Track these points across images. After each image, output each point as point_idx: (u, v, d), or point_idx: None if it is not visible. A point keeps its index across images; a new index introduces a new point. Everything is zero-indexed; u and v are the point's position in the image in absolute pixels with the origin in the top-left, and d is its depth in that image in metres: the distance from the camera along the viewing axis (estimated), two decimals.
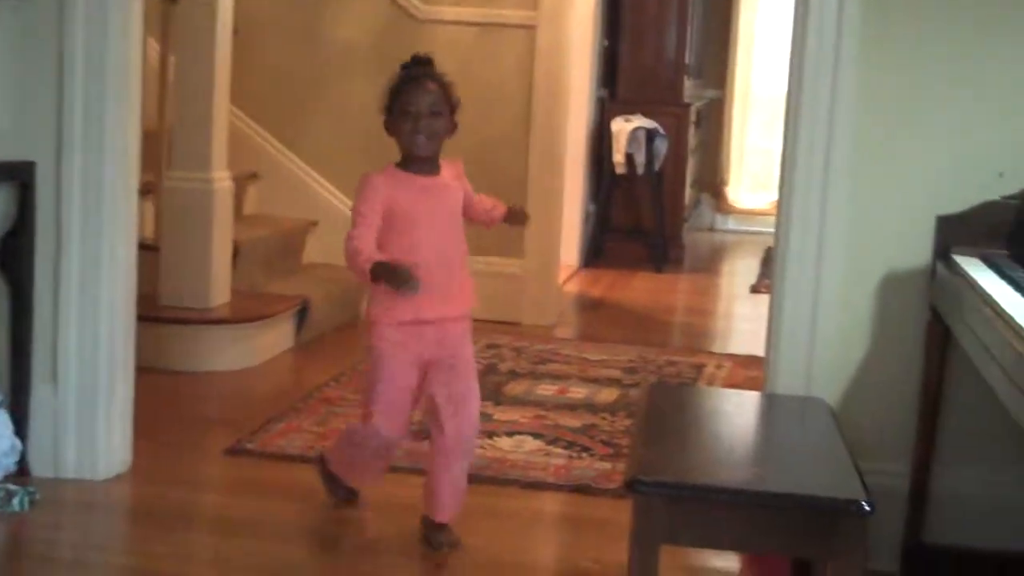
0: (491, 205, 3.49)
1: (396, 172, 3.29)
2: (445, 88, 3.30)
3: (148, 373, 4.43)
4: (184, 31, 5.13)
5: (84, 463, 3.75)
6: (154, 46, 5.39)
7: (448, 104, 3.29)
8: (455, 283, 3.31)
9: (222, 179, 5.24)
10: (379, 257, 3.15)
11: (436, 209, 3.27)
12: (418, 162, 3.28)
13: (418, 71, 3.32)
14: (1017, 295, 2.58)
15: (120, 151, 3.68)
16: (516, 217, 3.55)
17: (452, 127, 3.31)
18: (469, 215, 3.43)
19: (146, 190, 4.88)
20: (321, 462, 3.61)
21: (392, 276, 3.10)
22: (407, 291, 3.09)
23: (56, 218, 3.68)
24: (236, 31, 5.30)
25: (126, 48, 3.67)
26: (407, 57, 6.43)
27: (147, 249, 4.88)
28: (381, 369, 3.28)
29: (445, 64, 6.10)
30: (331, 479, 3.58)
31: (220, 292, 5.26)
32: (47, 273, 3.70)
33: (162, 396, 4.58)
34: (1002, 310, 2.44)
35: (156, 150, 5.20)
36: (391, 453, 3.48)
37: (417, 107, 3.23)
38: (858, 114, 3.33)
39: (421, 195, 3.26)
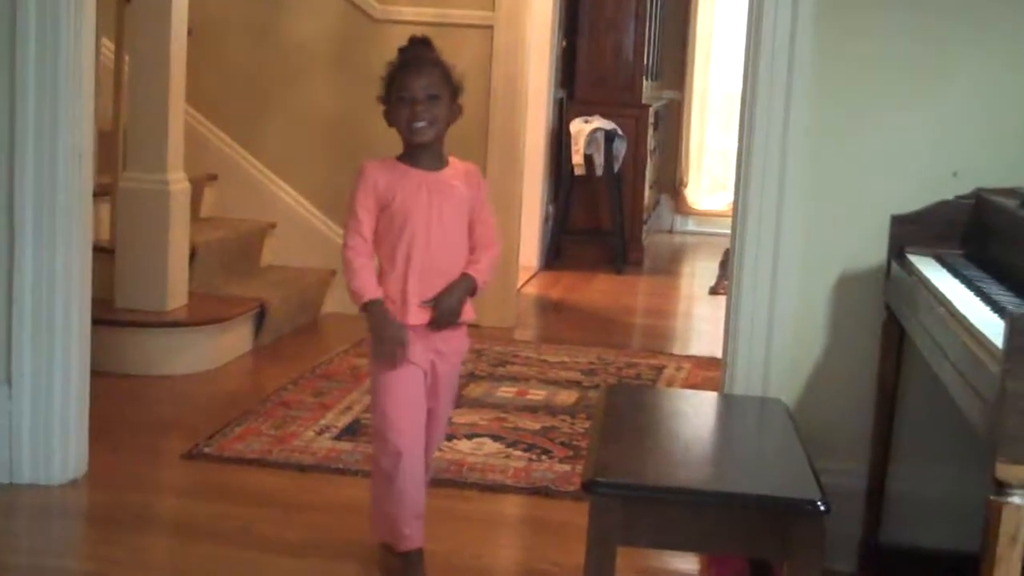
0: (474, 260, 3.09)
1: (394, 164, 3.05)
2: (444, 70, 3.03)
3: (104, 377, 4.42)
4: (138, 31, 5.09)
5: (39, 468, 3.72)
6: (108, 45, 5.37)
7: (448, 87, 3.02)
8: None
9: (178, 180, 5.21)
10: (374, 291, 2.99)
11: (434, 207, 3.01)
12: (418, 153, 3.03)
13: (413, 54, 3.05)
14: (970, 294, 2.60)
15: (74, 152, 3.65)
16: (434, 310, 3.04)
17: (455, 112, 3.06)
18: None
19: (101, 191, 4.85)
20: (381, 552, 3.24)
21: (378, 332, 3.00)
22: (387, 356, 2.98)
23: (9, 220, 3.64)
24: (191, 31, 5.28)
25: (79, 48, 3.64)
26: (365, 57, 6.44)
27: (102, 251, 4.87)
28: (384, 379, 3.03)
29: None
30: (386, 558, 3.20)
31: (177, 295, 5.22)
32: (1, 275, 3.66)
33: (118, 400, 4.55)
34: (955, 309, 2.45)
35: (111, 151, 5.17)
36: (418, 486, 3.07)
37: (412, 92, 2.97)
38: (813, 114, 3.34)
39: (418, 191, 3.00)
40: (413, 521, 3.06)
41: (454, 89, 3.05)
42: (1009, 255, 2.86)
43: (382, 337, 2.99)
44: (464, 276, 3.04)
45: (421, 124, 2.98)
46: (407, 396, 3.03)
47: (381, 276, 3.04)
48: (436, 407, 3.13)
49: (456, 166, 3.10)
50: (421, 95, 2.97)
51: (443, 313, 3.01)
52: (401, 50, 3.09)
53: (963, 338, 2.30)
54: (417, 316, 3.01)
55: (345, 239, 3.05)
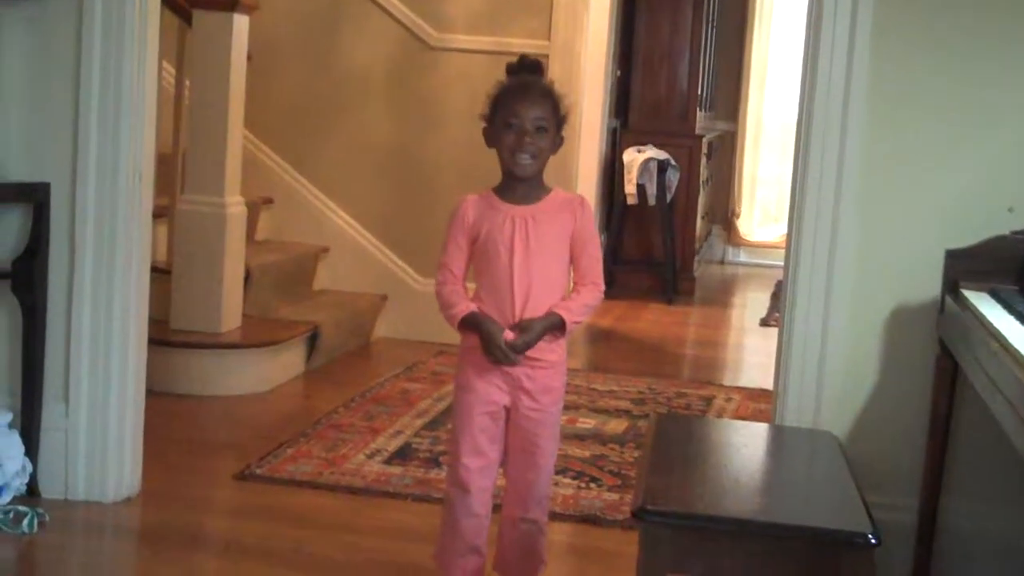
0: (572, 295, 2.98)
1: (490, 197, 2.94)
2: (554, 100, 2.91)
3: (159, 397, 4.46)
4: (199, 56, 5.17)
5: (94, 485, 3.76)
6: (169, 70, 5.44)
7: (556, 118, 2.91)
8: None
9: (235, 204, 5.27)
10: (468, 308, 2.90)
11: (519, 241, 2.89)
12: (514, 184, 2.92)
13: (527, 79, 2.93)
14: None
15: (134, 174, 3.71)
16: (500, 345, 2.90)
17: (558, 143, 2.95)
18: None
19: (160, 213, 4.91)
20: None
21: (482, 339, 2.89)
22: (498, 361, 2.88)
23: (70, 240, 3.70)
24: (250, 57, 5.34)
25: (141, 72, 3.69)
26: (421, 84, 6.48)
27: (160, 272, 4.93)
28: (458, 412, 3.00)
29: (456, 91, 6.20)
30: None
31: (231, 317, 5.28)
32: (60, 295, 3.72)
33: (172, 420, 4.60)
34: (1009, 344, 2.45)
35: (170, 174, 5.24)
36: (477, 522, 3.02)
37: (521, 120, 2.85)
38: (867, 148, 3.35)
39: (508, 225, 2.89)
40: (468, 555, 3.02)
41: (560, 120, 2.94)
42: None
43: (490, 347, 2.88)
44: (549, 313, 2.90)
45: (526, 156, 2.87)
46: (478, 430, 2.96)
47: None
48: (530, 448, 2.98)
49: (556, 197, 2.96)
50: (530, 126, 2.86)
51: (515, 343, 2.88)
52: (511, 70, 2.97)
53: (1017, 373, 2.29)
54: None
55: (437, 276, 2.98)
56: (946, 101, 3.33)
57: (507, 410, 2.97)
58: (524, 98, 2.88)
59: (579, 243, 2.95)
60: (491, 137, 2.93)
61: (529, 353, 2.91)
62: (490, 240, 2.91)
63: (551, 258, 2.93)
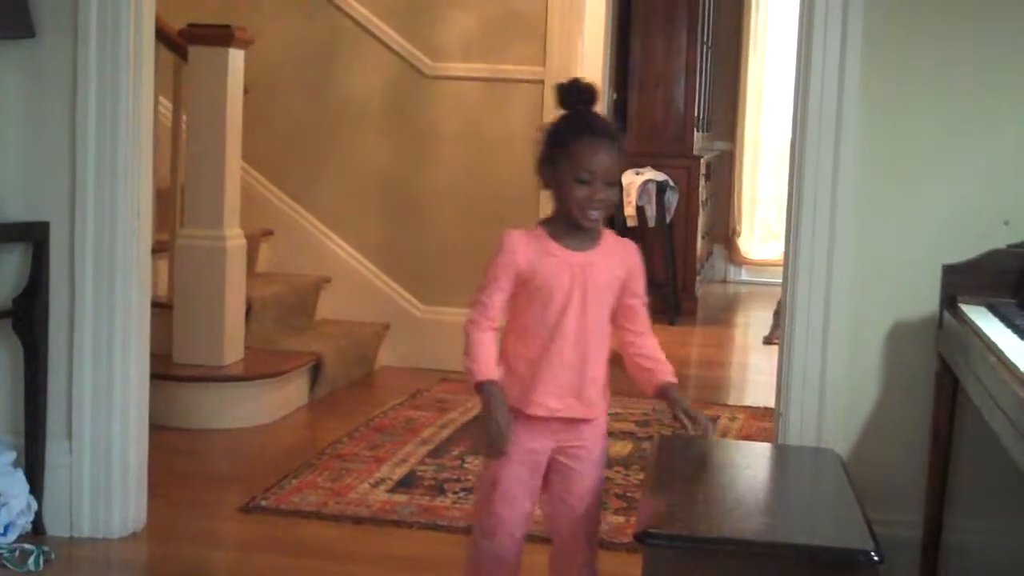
0: (649, 355, 2.83)
1: (542, 236, 2.72)
2: (620, 145, 2.69)
3: (162, 431, 4.46)
4: (195, 90, 5.18)
5: (99, 522, 3.76)
6: (166, 105, 5.46)
7: (620, 162, 2.71)
8: (588, 377, 2.74)
9: (235, 237, 5.28)
10: (489, 372, 2.68)
11: (576, 291, 2.69)
12: (574, 231, 2.71)
13: (601, 124, 2.72)
14: (1022, 343, 2.59)
15: (133, 210, 3.72)
16: (690, 418, 2.75)
17: None
18: (615, 319, 2.81)
19: (159, 248, 4.92)
20: None
21: (487, 418, 2.68)
22: (489, 448, 2.70)
23: (70, 277, 3.71)
24: (247, 90, 5.36)
25: (138, 107, 3.71)
26: (417, 113, 6.47)
27: (161, 307, 4.92)
28: (491, 474, 2.81)
29: (453, 119, 6.21)
30: None
31: (233, 349, 5.28)
32: (61, 332, 3.72)
33: (176, 454, 4.59)
34: (1007, 358, 2.45)
35: (169, 208, 5.25)
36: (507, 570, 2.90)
37: (594, 174, 2.64)
38: (863, 164, 3.36)
39: (564, 270, 2.69)
40: None
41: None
42: None
43: (488, 426, 2.68)
44: (667, 384, 2.79)
45: (597, 214, 2.68)
46: (515, 480, 2.80)
47: (510, 350, 2.77)
48: (572, 504, 2.85)
49: (608, 243, 2.77)
50: (602, 181, 2.66)
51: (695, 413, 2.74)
52: (564, 96, 2.78)
53: (1014, 388, 2.30)
54: (540, 408, 2.73)
55: (471, 312, 2.74)
56: (939, 114, 3.34)
57: (549, 460, 2.82)
58: (598, 155, 2.66)
59: (633, 292, 2.81)
60: (552, 180, 2.72)
61: (570, 409, 2.76)
62: (545, 288, 2.71)
63: (603, 307, 2.77)
